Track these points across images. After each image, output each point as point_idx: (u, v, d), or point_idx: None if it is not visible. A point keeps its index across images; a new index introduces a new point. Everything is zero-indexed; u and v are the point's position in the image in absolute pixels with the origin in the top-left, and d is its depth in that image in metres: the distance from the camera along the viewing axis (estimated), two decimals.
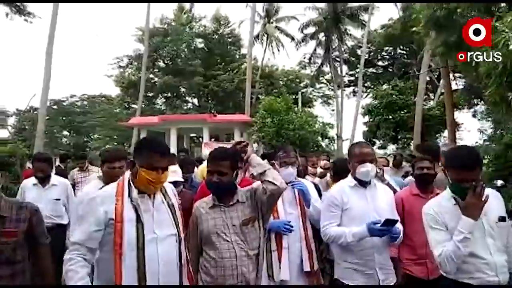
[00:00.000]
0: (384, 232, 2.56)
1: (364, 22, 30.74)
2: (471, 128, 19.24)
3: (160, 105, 37.04)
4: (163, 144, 2.37)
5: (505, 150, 10.81)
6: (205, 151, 13.59)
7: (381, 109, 19.50)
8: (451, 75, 15.22)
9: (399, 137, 19.56)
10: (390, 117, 19.42)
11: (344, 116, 31.58)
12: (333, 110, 36.82)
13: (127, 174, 2.32)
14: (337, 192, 2.83)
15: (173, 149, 17.71)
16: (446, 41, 9.39)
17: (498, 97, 6.59)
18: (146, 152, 2.23)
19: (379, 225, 2.55)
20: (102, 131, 34.77)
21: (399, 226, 2.72)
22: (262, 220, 2.51)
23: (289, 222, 2.94)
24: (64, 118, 35.62)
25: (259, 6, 31.67)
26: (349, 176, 2.86)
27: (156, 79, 35.01)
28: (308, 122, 15.66)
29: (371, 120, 20.25)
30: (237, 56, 36.96)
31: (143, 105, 34.67)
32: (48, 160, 4.64)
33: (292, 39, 35.18)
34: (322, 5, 32.08)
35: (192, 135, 28.62)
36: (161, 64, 36.18)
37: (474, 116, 8.90)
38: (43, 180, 4.50)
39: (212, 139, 19.40)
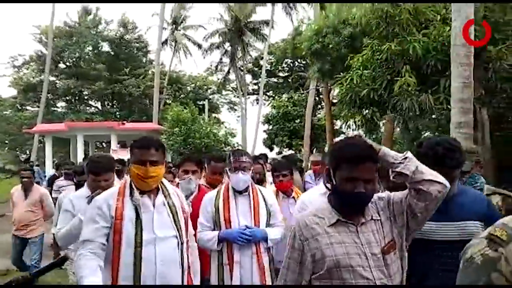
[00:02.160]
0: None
1: (265, 36, 33.13)
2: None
3: (61, 109, 35.57)
4: (147, 139, 2.35)
5: None
6: (115, 157, 14.10)
7: (279, 119, 21.86)
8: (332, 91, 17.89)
9: (293, 143, 22.10)
10: (286, 126, 21.89)
11: (248, 123, 33.60)
12: (238, 117, 38.75)
13: (128, 176, 2.38)
14: (307, 199, 2.85)
15: (80, 156, 17.93)
16: (320, 68, 11.65)
17: (348, 118, 8.81)
18: (133, 150, 2.29)
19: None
20: None
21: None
22: (404, 243, 1.73)
23: (245, 229, 2.72)
24: None
25: (167, 14, 32.37)
26: (321, 183, 2.77)
27: (58, 82, 33.65)
28: (213, 131, 17.19)
29: (270, 128, 22.52)
30: (144, 61, 37.03)
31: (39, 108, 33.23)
32: None
33: (199, 47, 36.37)
34: (227, 17, 33.89)
35: (98, 141, 28.16)
36: (64, 66, 34.80)
37: (349, 126, 11.09)
38: None
39: (118, 145, 19.76)
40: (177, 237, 2.26)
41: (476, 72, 7.17)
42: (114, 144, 17.87)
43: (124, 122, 19.17)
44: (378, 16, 7.53)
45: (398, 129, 13.74)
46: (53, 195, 6.43)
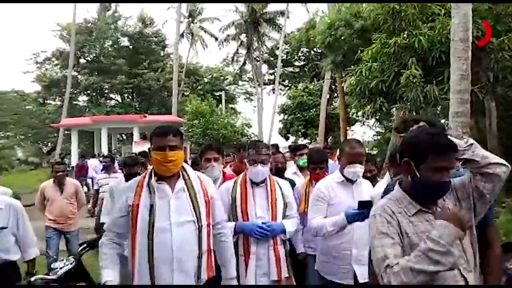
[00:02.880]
0: (361, 215, 2.52)
1: (280, 26, 33.39)
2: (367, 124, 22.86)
3: (83, 103, 36.78)
4: (165, 127, 2.42)
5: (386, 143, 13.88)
6: (137, 148, 14.90)
7: (294, 109, 22.35)
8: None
9: (308, 132, 22.58)
10: (302, 115, 22.36)
11: (264, 112, 34.07)
12: (254, 107, 39.24)
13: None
14: (324, 186, 2.87)
15: (104, 147, 18.82)
16: (333, 60, 12.08)
17: (359, 108, 9.28)
18: (153, 138, 2.36)
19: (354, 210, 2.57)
20: (15, 129, 33.76)
21: None
22: (473, 227, 1.77)
23: (264, 223, 2.73)
24: None
25: (183, 7, 32.93)
26: (337, 171, 2.92)
27: (79, 77, 34.78)
28: (230, 122, 17.82)
29: (285, 118, 23.03)
30: (162, 55, 37.79)
31: (62, 103, 34.49)
32: None
33: (216, 39, 36.89)
34: (243, 8, 34.23)
35: (121, 133, 29.14)
36: (85, 62, 35.90)
37: (363, 115, 11.48)
38: None
39: (140, 137, 20.59)
40: (194, 222, 2.27)
41: (481, 63, 7.60)
42: (136, 136, 18.67)
43: (146, 115, 19.95)
44: (385, 12, 7.94)
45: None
46: (94, 187, 7.14)
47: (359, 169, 2.76)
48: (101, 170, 8.62)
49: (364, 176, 3.08)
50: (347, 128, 17.87)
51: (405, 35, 7.69)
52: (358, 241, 2.72)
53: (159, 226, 2.20)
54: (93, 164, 12.86)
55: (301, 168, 4.29)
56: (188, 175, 2.39)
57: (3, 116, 31.85)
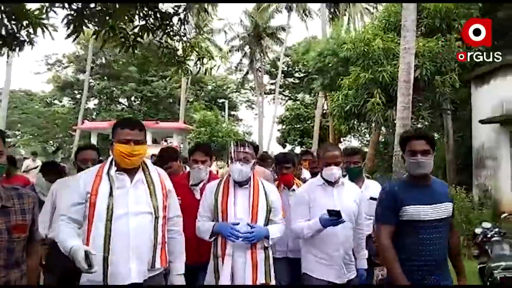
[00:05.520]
0: (334, 222, 2.66)
1: (282, 40, 35.66)
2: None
3: (93, 106, 38.88)
4: (133, 120, 2.47)
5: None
6: (150, 151, 16.98)
7: (291, 120, 24.67)
8: None
9: (304, 141, 24.87)
10: (298, 126, 24.67)
11: (265, 120, 36.07)
12: (256, 114, 41.33)
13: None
14: (304, 190, 2.99)
15: None
16: (322, 83, 14.34)
17: (339, 127, 11.53)
18: (117, 129, 2.36)
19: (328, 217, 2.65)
20: (22, 128, 35.52)
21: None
22: None
23: (237, 224, 2.63)
24: None
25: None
26: (318, 175, 2.98)
27: (92, 81, 36.85)
28: (233, 131, 20.11)
29: (283, 128, 25.35)
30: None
31: (73, 105, 36.83)
32: None
33: (220, 50, 39.11)
34: (247, 22, 36.53)
35: None
36: (97, 67, 38.06)
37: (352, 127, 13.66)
38: None
39: (152, 142, 22.64)
40: (151, 213, 2.32)
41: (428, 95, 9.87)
42: (149, 141, 20.81)
43: (158, 122, 22.05)
44: (358, 52, 10.21)
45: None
46: None
47: (335, 170, 2.84)
48: None
49: (350, 168, 3.49)
50: (341, 138, 20.17)
51: (372, 71, 9.95)
52: (345, 243, 2.85)
53: (117, 215, 2.25)
54: None
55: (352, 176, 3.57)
56: (148, 168, 2.45)
57: (11, 115, 32.48)
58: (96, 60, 36.97)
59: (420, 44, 9.30)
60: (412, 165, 2.42)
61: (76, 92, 37.44)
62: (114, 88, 35.86)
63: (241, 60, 39.22)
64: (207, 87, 40.25)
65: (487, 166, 9.25)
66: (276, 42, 36.46)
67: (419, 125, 12.35)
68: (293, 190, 3.58)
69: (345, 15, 23.44)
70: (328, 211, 2.64)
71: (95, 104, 39.03)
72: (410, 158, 2.41)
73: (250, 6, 34.48)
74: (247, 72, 39.60)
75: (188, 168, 3.71)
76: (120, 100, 39.83)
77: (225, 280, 2.62)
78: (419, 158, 2.38)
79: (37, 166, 9.32)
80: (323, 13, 24.17)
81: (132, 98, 38.50)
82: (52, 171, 3.65)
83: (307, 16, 33.38)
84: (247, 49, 38.06)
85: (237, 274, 2.64)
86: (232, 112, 39.19)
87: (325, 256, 2.83)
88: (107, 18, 3.66)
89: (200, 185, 3.24)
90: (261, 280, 2.67)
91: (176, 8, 4.39)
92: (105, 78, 36.70)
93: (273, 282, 2.75)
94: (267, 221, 2.76)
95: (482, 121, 8.74)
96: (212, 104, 25.45)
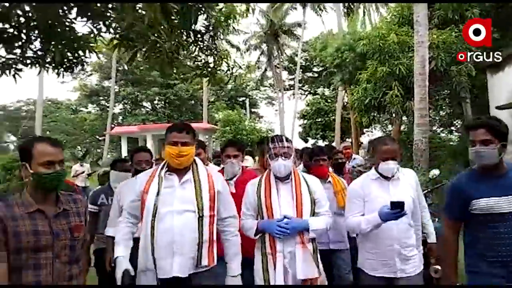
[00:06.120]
0: (395, 215, 2.56)
1: (298, 36, 35.96)
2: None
3: (119, 111, 40.20)
4: (181, 123, 2.64)
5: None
6: None
7: (312, 114, 25.07)
8: None
9: (326, 135, 25.24)
10: (319, 120, 25.06)
11: (286, 116, 36.36)
12: (276, 110, 41.78)
13: None
14: (359, 184, 2.92)
15: (152, 151, 21.92)
16: (342, 78, 14.73)
17: (360, 119, 11.94)
18: (167, 132, 2.56)
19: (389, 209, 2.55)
20: (53, 135, 36.75)
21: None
22: None
23: (283, 219, 2.61)
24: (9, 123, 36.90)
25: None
26: (373, 169, 2.93)
27: (116, 87, 38.14)
28: (256, 128, 20.75)
29: (304, 122, 25.78)
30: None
31: (99, 111, 38.23)
32: None
33: (238, 49, 39.72)
34: (263, 21, 36.97)
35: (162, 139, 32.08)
36: (121, 73, 39.31)
37: (373, 119, 13.98)
38: None
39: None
40: (195, 212, 2.41)
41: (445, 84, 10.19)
42: None
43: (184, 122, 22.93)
44: (373, 47, 10.60)
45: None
46: None
47: (392, 165, 2.78)
48: None
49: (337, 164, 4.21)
50: (364, 130, 20.47)
51: (389, 64, 10.33)
52: (401, 238, 2.74)
53: (162, 212, 2.39)
54: None
55: None
56: (197, 169, 2.57)
57: (45, 124, 33.80)
58: (119, 67, 38.35)
59: (434, 36, 9.64)
60: (472, 155, 2.34)
61: (101, 98, 38.94)
62: (138, 93, 37.02)
63: (259, 58, 39.84)
64: (227, 87, 41.02)
65: (507, 151, 9.47)
66: (293, 38, 36.78)
67: (441, 113, 12.70)
68: (329, 182, 3.70)
69: (359, 7, 23.59)
70: (392, 203, 2.54)
71: (120, 109, 40.35)
72: (470, 149, 2.34)
73: (265, 5, 34.95)
74: (266, 70, 40.11)
75: (219, 166, 3.75)
76: (144, 104, 41.11)
77: (279, 277, 2.58)
78: (477, 148, 2.29)
79: (83, 172, 9.99)
80: (338, 7, 24.43)
81: (156, 102, 39.73)
82: (120, 167, 3.95)
83: (322, 10, 33.67)
84: (264, 47, 38.58)
85: (290, 270, 2.61)
86: (253, 110, 39.75)
87: (379, 251, 2.76)
88: (149, 38, 4.19)
89: (234, 179, 3.35)
90: (314, 273, 2.62)
91: (206, 25, 4.97)
92: (129, 83, 37.92)
93: (322, 275, 2.70)
94: (313, 214, 2.72)
95: (498, 107, 9.01)
96: (233, 103, 26.07)
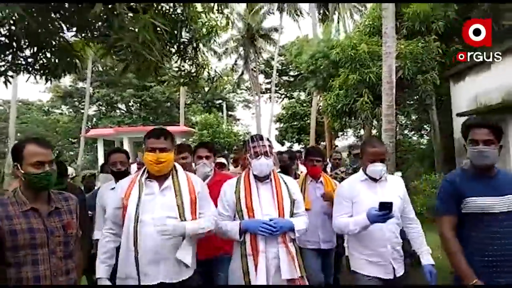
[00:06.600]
0: (383, 216, 2.57)
1: (275, 41, 36.55)
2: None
3: (93, 113, 39.66)
4: (159, 129, 2.60)
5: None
6: None
7: (288, 118, 25.68)
8: None
9: (301, 138, 25.89)
10: (295, 123, 25.68)
11: (262, 119, 36.89)
12: (253, 113, 42.19)
13: None
14: (347, 185, 2.94)
15: (130, 154, 21.94)
16: (315, 84, 15.24)
17: (332, 124, 12.50)
18: (145, 138, 2.55)
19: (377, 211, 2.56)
20: (23, 137, 35.73)
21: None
22: None
23: (271, 220, 2.56)
24: None
25: None
26: (361, 170, 2.94)
27: (91, 89, 37.63)
28: (233, 132, 21.13)
29: (280, 126, 26.36)
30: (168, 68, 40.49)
31: (73, 113, 37.68)
32: None
33: (214, 52, 39.95)
34: (240, 25, 37.37)
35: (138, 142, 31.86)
36: (96, 75, 38.85)
37: (344, 124, 14.58)
38: None
39: None
40: (177, 218, 2.42)
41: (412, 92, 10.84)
42: None
43: (161, 127, 23.03)
44: (346, 56, 11.17)
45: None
46: None
47: (380, 167, 2.78)
48: None
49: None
50: (338, 133, 21.21)
51: (360, 72, 10.92)
52: (391, 238, 2.77)
53: (143, 220, 2.39)
54: (134, 169, 15.74)
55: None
56: (177, 175, 2.56)
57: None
58: (94, 68, 37.88)
59: (402, 46, 10.28)
60: (473, 154, 2.29)
61: (75, 100, 38.34)
62: (113, 95, 36.70)
63: (235, 61, 40.21)
64: (204, 90, 41.19)
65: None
66: (269, 43, 37.31)
67: (412, 118, 13.37)
68: (321, 182, 3.81)
69: (334, 14, 24.33)
70: (380, 203, 2.55)
71: (94, 111, 39.82)
72: (471, 148, 2.28)
73: (242, 9, 35.39)
74: (242, 73, 40.49)
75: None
76: (119, 106, 40.74)
77: (261, 278, 2.51)
78: (481, 147, 2.25)
79: (68, 175, 9.93)
80: (314, 13, 25.12)
81: (131, 104, 39.44)
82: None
83: (299, 16, 34.39)
84: (241, 50, 39.02)
85: (272, 271, 2.57)
86: (230, 113, 40.05)
87: (373, 253, 2.77)
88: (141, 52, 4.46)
89: (207, 180, 3.32)
90: (297, 274, 2.59)
91: (189, 37, 5.31)
92: (104, 85, 37.55)
93: (304, 274, 2.67)
94: (291, 214, 2.70)
95: (458, 114, 9.72)
96: (209, 106, 26.38)
